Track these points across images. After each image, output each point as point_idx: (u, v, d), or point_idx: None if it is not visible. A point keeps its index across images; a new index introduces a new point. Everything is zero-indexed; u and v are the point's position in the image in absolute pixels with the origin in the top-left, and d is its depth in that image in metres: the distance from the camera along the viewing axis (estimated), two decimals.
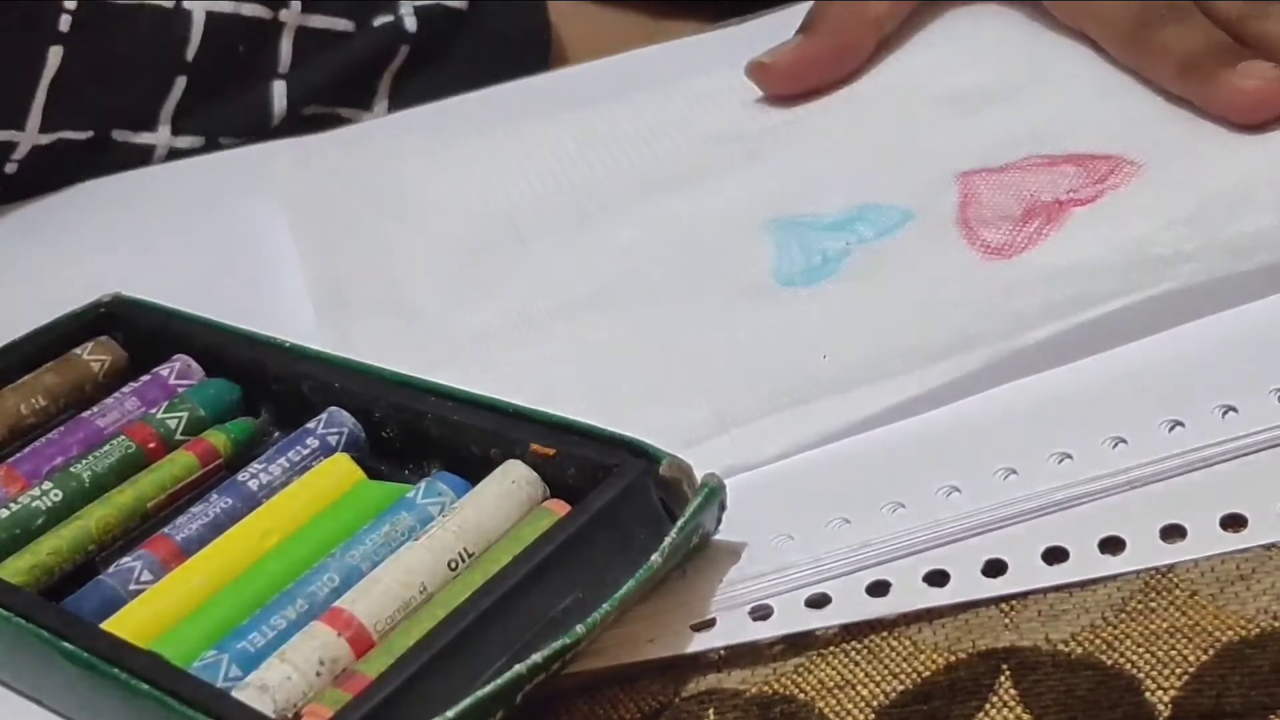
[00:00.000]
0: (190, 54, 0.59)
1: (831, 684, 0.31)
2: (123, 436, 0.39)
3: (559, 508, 0.34)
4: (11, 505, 0.37)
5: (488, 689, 0.30)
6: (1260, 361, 0.35)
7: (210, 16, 0.59)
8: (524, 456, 0.35)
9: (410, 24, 0.62)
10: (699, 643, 0.33)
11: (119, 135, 0.59)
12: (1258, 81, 0.41)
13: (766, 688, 0.31)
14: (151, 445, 0.39)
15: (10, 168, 0.58)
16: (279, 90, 0.61)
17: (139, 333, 0.43)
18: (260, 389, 0.40)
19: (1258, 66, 0.41)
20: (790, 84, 0.50)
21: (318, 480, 0.37)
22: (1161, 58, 0.43)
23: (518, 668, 0.30)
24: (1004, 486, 0.34)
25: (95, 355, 0.42)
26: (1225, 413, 0.34)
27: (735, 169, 0.47)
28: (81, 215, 0.58)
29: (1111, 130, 0.43)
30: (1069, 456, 0.34)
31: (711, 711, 0.31)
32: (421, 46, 0.62)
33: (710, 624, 0.33)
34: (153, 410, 0.40)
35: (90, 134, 0.59)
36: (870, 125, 0.48)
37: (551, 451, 0.35)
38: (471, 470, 0.36)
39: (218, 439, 0.39)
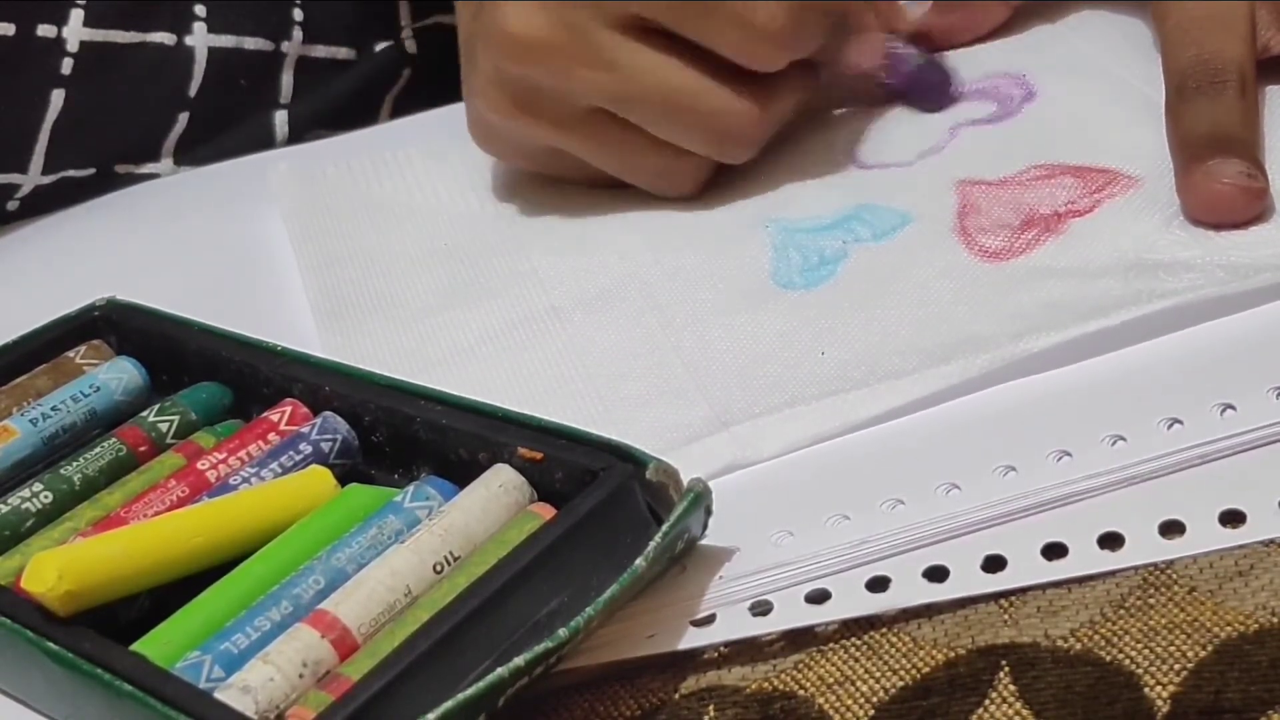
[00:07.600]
0: (193, 90, 0.59)
1: (831, 680, 0.31)
2: (114, 439, 0.39)
3: (545, 511, 0.34)
4: (1, 507, 0.37)
5: (469, 692, 0.30)
6: (1258, 359, 0.35)
7: (212, 52, 0.59)
8: (511, 460, 0.35)
9: (411, 46, 0.62)
10: (699, 639, 0.33)
11: (121, 168, 0.59)
12: (1220, 185, 0.39)
13: (766, 684, 0.31)
14: (142, 449, 0.39)
15: (12, 205, 0.59)
16: (280, 119, 0.61)
17: (132, 336, 0.43)
18: (251, 393, 0.40)
19: (1228, 168, 0.39)
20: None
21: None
22: (1173, 131, 0.41)
23: (499, 670, 0.30)
24: (1003, 483, 0.34)
25: (88, 358, 0.42)
26: (1224, 410, 0.33)
27: (733, 170, 0.47)
28: (82, 221, 0.58)
29: (1109, 144, 0.43)
30: (1068, 454, 0.34)
31: (711, 708, 0.31)
32: (423, 68, 0.62)
33: (710, 620, 0.33)
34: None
35: (93, 171, 0.59)
36: (867, 127, 0.48)
37: (539, 455, 0.35)
38: (460, 473, 0.35)
39: (206, 441, 0.39)
